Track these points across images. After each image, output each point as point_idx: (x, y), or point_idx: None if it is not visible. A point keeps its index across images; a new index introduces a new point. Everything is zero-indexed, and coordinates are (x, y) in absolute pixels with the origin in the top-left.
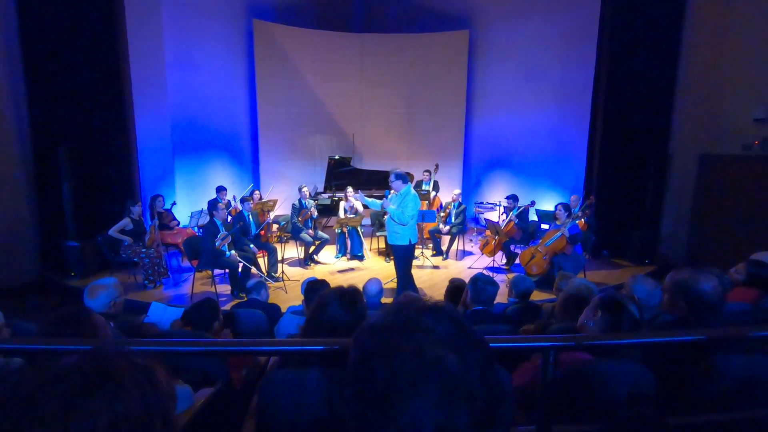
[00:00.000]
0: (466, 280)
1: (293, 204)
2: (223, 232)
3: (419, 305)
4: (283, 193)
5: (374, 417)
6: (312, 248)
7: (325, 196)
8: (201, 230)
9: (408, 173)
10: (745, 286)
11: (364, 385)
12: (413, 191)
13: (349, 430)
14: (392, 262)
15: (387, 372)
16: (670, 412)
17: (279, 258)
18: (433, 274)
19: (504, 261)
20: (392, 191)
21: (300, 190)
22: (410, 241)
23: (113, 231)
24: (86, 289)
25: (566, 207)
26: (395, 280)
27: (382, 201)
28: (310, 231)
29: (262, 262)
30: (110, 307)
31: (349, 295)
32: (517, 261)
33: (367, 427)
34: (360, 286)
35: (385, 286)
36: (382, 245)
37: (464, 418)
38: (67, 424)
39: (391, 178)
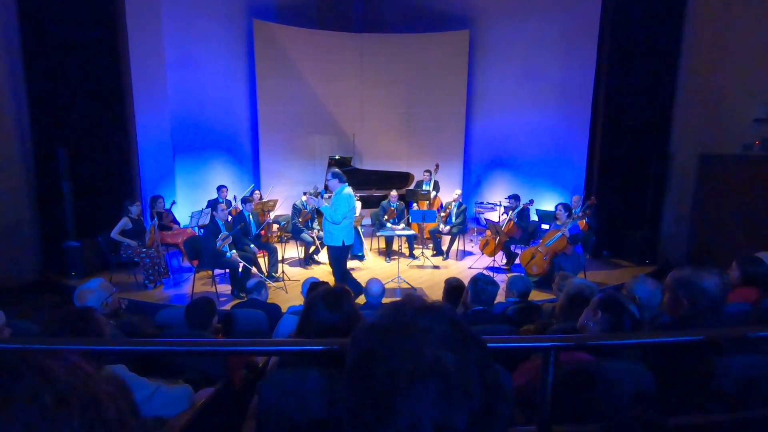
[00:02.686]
0: (467, 281)
1: (294, 204)
2: (224, 233)
3: (417, 305)
4: (283, 193)
5: (372, 418)
6: (312, 248)
7: (326, 196)
8: (201, 230)
9: (408, 173)
10: (742, 286)
11: (362, 386)
12: (347, 191)
13: (348, 430)
14: (393, 262)
15: (385, 372)
16: (670, 412)
17: (279, 258)
18: (433, 274)
19: (504, 261)
20: (328, 191)
21: (313, 196)
22: (343, 243)
23: (115, 233)
24: (74, 295)
25: (566, 207)
26: (396, 280)
27: (317, 200)
28: (312, 231)
29: (263, 262)
30: (103, 309)
31: (334, 295)
32: (518, 261)
33: (366, 427)
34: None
35: (386, 287)
36: (383, 245)
37: (462, 417)
38: (10, 405)
39: (328, 176)
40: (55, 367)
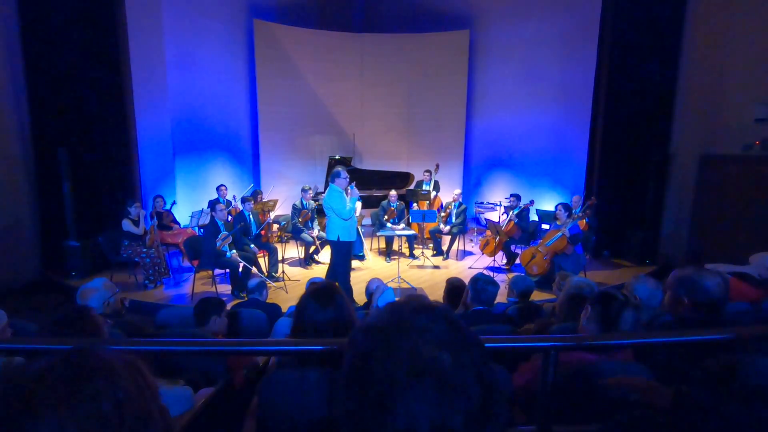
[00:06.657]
0: (467, 280)
1: (294, 204)
2: (223, 233)
3: (414, 305)
4: (283, 193)
5: (370, 418)
6: (312, 248)
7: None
8: (202, 230)
9: (408, 173)
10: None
11: (360, 386)
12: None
13: (346, 431)
14: (393, 262)
15: (382, 373)
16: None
17: (279, 258)
18: (433, 274)
19: (504, 261)
20: (347, 192)
21: (305, 191)
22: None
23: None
24: (77, 294)
25: (566, 207)
26: (396, 280)
27: (350, 205)
28: (312, 231)
29: (263, 262)
30: (105, 308)
31: (323, 291)
32: (518, 261)
33: (363, 428)
34: (361, 287)
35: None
36: (383, 245)
37: (460, 417)
38: (74, 405)
39: (343, 173)
40: (120, 372)
